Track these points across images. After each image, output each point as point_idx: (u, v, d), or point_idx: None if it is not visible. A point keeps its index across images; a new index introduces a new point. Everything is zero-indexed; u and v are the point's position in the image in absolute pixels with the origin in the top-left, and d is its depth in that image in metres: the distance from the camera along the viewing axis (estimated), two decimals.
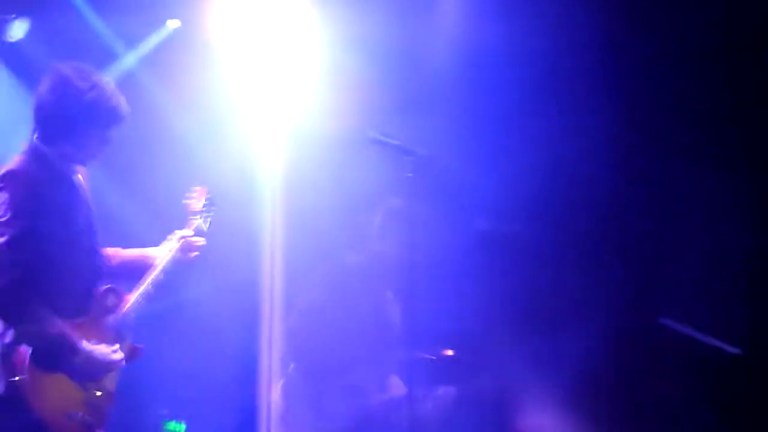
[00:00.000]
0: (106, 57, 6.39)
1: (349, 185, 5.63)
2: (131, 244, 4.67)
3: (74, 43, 6.18)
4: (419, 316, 4.72)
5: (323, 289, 5.35)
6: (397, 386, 5.07)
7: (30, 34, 6.28)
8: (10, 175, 4.06)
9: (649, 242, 6.35)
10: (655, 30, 6.23)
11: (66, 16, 6.26)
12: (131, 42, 6.55)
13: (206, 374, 6.39)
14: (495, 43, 6.17)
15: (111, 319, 4.26)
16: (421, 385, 5.28)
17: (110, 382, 4.23)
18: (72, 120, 4.17)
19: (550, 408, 6.17)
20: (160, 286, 4.44)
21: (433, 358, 5.38)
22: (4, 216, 3.96)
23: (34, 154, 4.15)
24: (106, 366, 4.16)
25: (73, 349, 4.03)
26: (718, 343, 6.01)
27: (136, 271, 4.49)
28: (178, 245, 4.56)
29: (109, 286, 4.29)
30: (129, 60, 6.53)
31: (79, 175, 4.32)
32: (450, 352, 5.44)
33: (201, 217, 4.67)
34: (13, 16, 6.25)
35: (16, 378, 3.96)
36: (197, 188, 4.76)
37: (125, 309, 4.32)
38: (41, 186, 4.06)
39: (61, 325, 4.01)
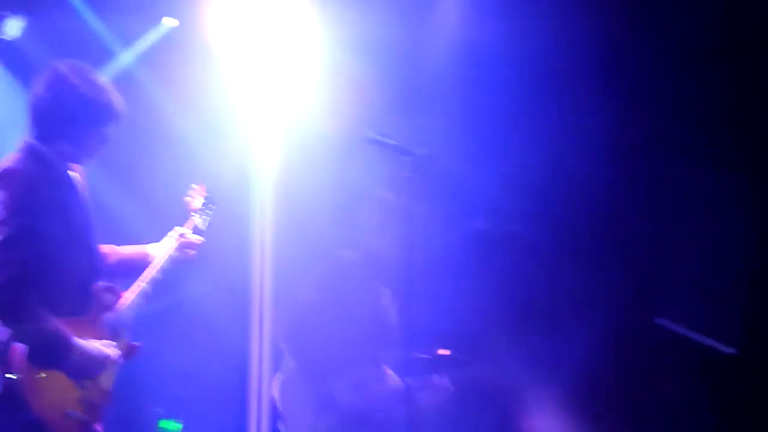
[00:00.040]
0: (103, 55, 6.42)
1: (347, 185, 5.66)
2: (129, 242, 4.70)
3: (71, 42, 6.21)
4: (417, 316, 4.74)
5: (318, 286, 5.38)
6: (393, 380, 5.08)
7: (27, 32, 6.31)
8: (6, 173, 4.08)
9: (649, 242, 6.41)
10: (655, 30, 6.28)
11: (63, 15, 6.30)
12: (128, 41, 6.59)
13: (203, 373, 6.43)
14: (494, 43, 6.23)
15: (108, 317, 4.29)
16: (417, 376, 5.33)
17: (107, 379, 4.26)
18: (68, 117, 4.19)
19: (548, 407, 6.23)
20: (158, 285, 4.47)
21: (429, 357, 5.42)
22: (0, 215, 3.98)
23: (31, 153, 4.18)
24: (102, 363, 4.19)
25: (68, 346, 4.06)
26: (713, 343, 6.07)
27: (134, 268, 4.53)
28: (176, 243, 4.60)
29: (106, 284, 4.32)
30: (126, 59, 6.57)
31: (77, 174, 4.34)
32: (446, 352, 5.48)
33: (199, 215, 4.71)
34: (8, 14, 6.28)
35: (15, 376, 3.98)
36: (196, 186, 4.81)
37: (122, 307, 4.35)
38: (37, 184, 4.08)
39: (55, 323, 4.03)
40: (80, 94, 4.19)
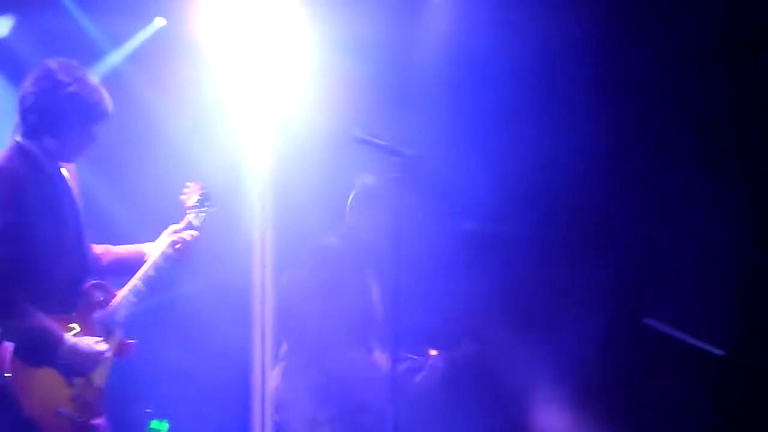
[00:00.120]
0: (92, 55, 6.53)
1: (338, 184, 5.71)
2: (120, 241, 4.81)
3: (61, 41, 6.28)
4: (405, 315, 4.82)
5: (304, 272, 5.43)
6: (386, 364, 5.10)
7: (16, 31, 6.42)
8: None
9: (641, 244, 6.46)
10: (653, 30, 6.36)
11: (52, 14, 6.42)
12: (118, 40, 6.71)
13: (194, 372, 6.51)
14: (485, 43, 6.31)
15: (98, 314, 4.39)
16: (409, 358, 5.45)
17: (99, 377, 4.34)
18: (53, 113, 4.27)
19: (542, 405, 6.31)
20: (151, 282, 4.55)
21: (417, 358, 5.52)
22: None
23: (17, 150, 4.27)
24: (93, 359, 4.27)
25: (57, 343, 4.16)
26: (702, 345, 6.14)
27: (130, 267, 4.61)
28: (169, 240, 4.68)
29: (96, 281, 4.42)
30: (116, 58, 6.69)
31: (68, 173, 4.44)
32: (434, 353, 5.57)
33: (194, 213, 4.79)
34: None
35: (7, 375, 4.09)
36: (191, 184, 4.89)
37: (113, 305, 4.44)
38: (24, 182, 4.18)
39: (44, 320, 4.13)
40: (68, 92, 4.27)
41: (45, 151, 4.30)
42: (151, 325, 4.94)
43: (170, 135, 6.57)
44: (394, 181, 4.83)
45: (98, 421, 4.35)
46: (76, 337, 4.24)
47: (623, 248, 6.49)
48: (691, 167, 6.33)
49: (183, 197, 4.85)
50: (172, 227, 4.73)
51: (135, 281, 4.53)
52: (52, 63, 4.38)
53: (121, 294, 4.49)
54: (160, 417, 6.40)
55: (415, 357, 5.49)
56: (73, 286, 4.34)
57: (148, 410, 6.37)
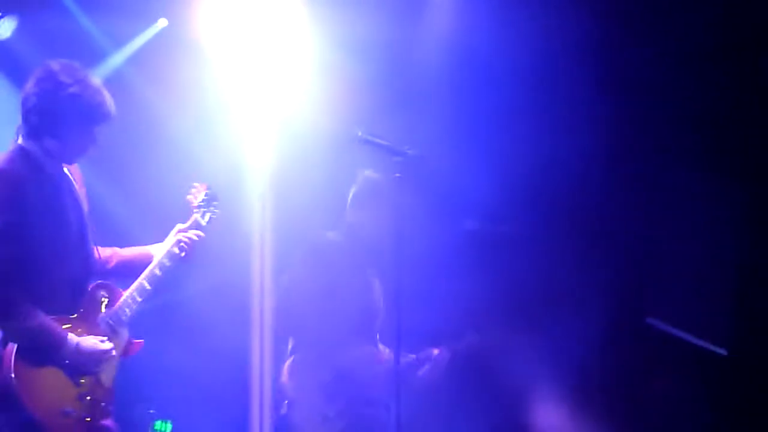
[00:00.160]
0: (94, 55, 6.57)
1: (339, 184, 5.72)
2: (122, 241, 4.83)
3: (63, 42, 6.33)
4: (408, 315, 4.86)
5: (305, 267, 5.45)
6: (390, 357, 5.13)
7: (18, 32, 6.45)
8: None
9: (641, 243, 6.51)
10: (653, 30, 6.41)
11: (55, 15, 6.46)
12: (120, 41, 6.74)
13: (196, 373, 6.55)
14: (487, 44, 6.35)
15: (103, 314, 4.42)
16: (414, 351, 5.50)
17: (106, 377, 4.38)
18: (54, 114, 4.29)
19: (542, 405, 6.36)
20: (156, 281, 4.57)
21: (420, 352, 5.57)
22: None
23: (19, 153, 4.31)
24: (96, 358, 4.30)
25: (60, 342, 4.20)
26: (704, 344, 6.18)
27: (137, 269, 4.62)
28: (174, 240, 4.70)
29: (100, 282, 4.46)
30: (118, 59, 6.73)
31: (73, 174, 4.47)
32: (436, 351, 5.63)
33: (199, 212, 4.80)
34: (0, 14, 6.43)
35: (12, 376, 4.13)
36: (198, 184, 4.91)
37: (118, 304, 4.47)
38: (24, 184, 4.21)
39: (46, 320, 4.18)
40: (70, 93, 4.29)
41: (46, 152, 4.33)
42: (153, 325, 4.96)
43: (172, 135, 6.61)
44: (396, 181, 4.87)
45: (106, 421, 4.40)
46: (79, 336, 4.28)
47: (624, 248, 6.54)
48: (691, 167, 6.39)
49: (189, 197, 4.87)
50: (179, 227, 4.76)
51: (141, 281, 4.56)
52: (54, 64, 4.41)
53: (127, 293, 4.52)
54: (164, 417, 6.43)
55: (419, 352, 5.54)
56: (76, 286, 4.38)
57: (151, 411, 6.40)
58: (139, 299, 4.53)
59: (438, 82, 6.55)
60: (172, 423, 6.39)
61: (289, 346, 5.53)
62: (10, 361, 4.14)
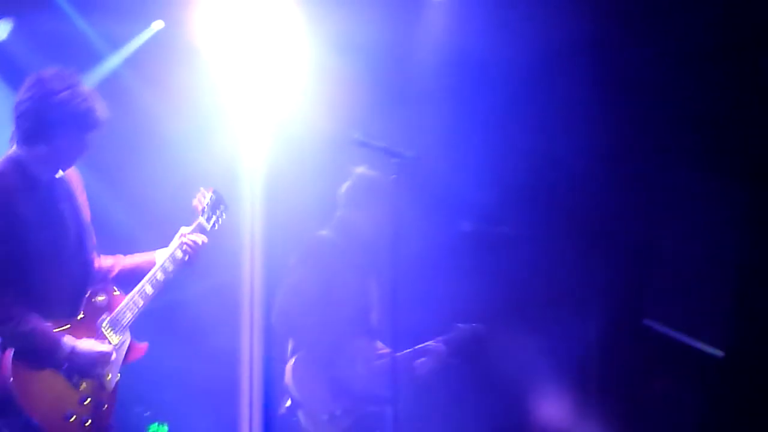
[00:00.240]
0: (91, 58, 6.65)
1: (335, 186, 5.74)
2: (119, 244, 4.87)
3: (59, 44, 6.40)
4: (404, 317, 4.91)
5: (302, 267, 5.51)
6: (389, 352, 5.21)
7: (14, 35, 6.50)
8: None
9: (641, 244, 6.56)
10: (653, 30, 6.46)
11: (51, 17, 6.49)
12: (116, 43, 6.79)
13: (192, 375, 6.60)
14: (483, 45, 6.39)
15: (103, 318, 4.46)
16: (412, 345, 5.55)
17: (107, 380, 4.42)
18: (45, 120, 4.31)
19: (541, 404, 6.40)
20: (158, 285, 4.59)
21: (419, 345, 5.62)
22: None
23: (11, 160, 4.35)
24: (94, 361, 4.34)
25: (54, 345, 4.24)
26: (701, 346, 6.20)
27: (142, 275, 4.64)
28: (177, 243, 4.71)
29: (100, 286, 4.50)
30: (114, 61, 6.78)
31: (69, 180, 4.51)
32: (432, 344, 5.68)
33: (204, 216, 4.81)
34: None
35: (10, 380, 4.17)
36: (204, 189, 4.90)
37: (119, 308, 4.50)
38: (14, 193, 4.26)
39: (41, 324, 4.22)
40: (60, 99, 4.31)
41: (39, 159, 4.37)
42: (150, 327, 4.98)
43: (168, 137, 6.65)
44: (392, 182, 4.91)
45: (108, 424, 4.43)
46: (76, 340, 4.32)
47: (623, 248, 6.58)
48: (691, 167, 6.43)
49: (195, 202, 4.86)
50: (182, 230, 4.77)
51: (142, 285, 4.59)
52: (46, 71, 4.42)
53: (128, 297, 4.56)
54: (160, 420, 6.46)
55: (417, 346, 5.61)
56: (75, 291, 4.42)
57: (147, 413, 6.43)
58: (141, 303, 4.56)
59: (434, 83, 6.61)
60: (168, 425, 6.41)
61: (289, 348, 5.58)
62: (8, 365, 4.19)
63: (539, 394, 6.43)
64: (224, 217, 4.90)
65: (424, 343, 5.66)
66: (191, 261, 4.71)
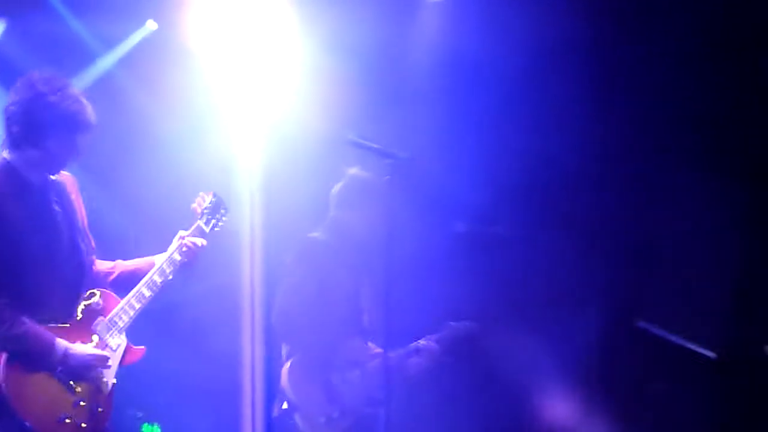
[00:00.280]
0: (84, 58, 6.66)
1: (330, 186, 5.72)
2: (112, 245, 4.89)
3: (52, 45, 6.41)
4: (398, 318, 4.91)
5: (296, 269, 5.51)
6: (382, 353, 5.18)
7: (7, 35, 6.52)
8: None
9: (639, 245, 6.55)
10: (653, 30, 6.46)
11: (44, 18, 6.51)
12: (110, 44, 6.79)
13: (184, 376, 6.60)
14: (478, 45, 6.40)
15: (98, 321, 4.45)
16: (404, 345, 5.56)
17: (103, 383, 4.42)
18: (34, 123, 4.32)
19: (539, 405, 6.40)
20: (155, 287, 4.58)
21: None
22: None
23: (1, 165, 4.36)
24: (87, 364, 4.34)
25: (47, 348, 4.24)
26: (695, 347, 6.19)
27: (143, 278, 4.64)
28: (175, 246, 4.70)
29: (96, 289, 4.50)
30: (107, 62, 6.79)
31: (63, 183, 4.51)
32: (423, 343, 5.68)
33: (203, 219, 4.79)
34: None
35: (3, 384, 4.17)
36: (203, 193, 4.88)
37: (114, 311, 4.49)
38: (3, 196, 4.27)
39: (33, 327, 4.23)
40: (48, 101, 4.32)
41: (30, 163, 4.38)
42: (143, 329, 4.99)
43: (162, 138, 6.65)
44: (386, 183, 4.91)
45: (103, 427, 4.43)
46: (70, 343, 4.32)
47: (621, 249, 6.59)
48: (690, 167, 6.41)
49: (194, 206, 4.85)
50: (181, 233, 4.76)
51: (139, 287, 4.58)
52: (35, 74, 4.44)
53: (124, 300, 4.55)
54: (151, 421, 6.46)
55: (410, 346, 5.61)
56: (69, 294, 4.42)
57: (140, 415, 6.43)
58: (138, 306, 4.56)
59: (429, 84, 6.61)
60: (160, 427, 6.41)
61: (284, 351, 5.58)
62: (1, 368, 4.19)
63: (535, 394, 6.43)
64: (224, 220, 4.89)
65: (415, 342, 5.66)
66: (189, 264, 4.70)
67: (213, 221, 4.83)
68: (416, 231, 5.90)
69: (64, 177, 4.54)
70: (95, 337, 4.43)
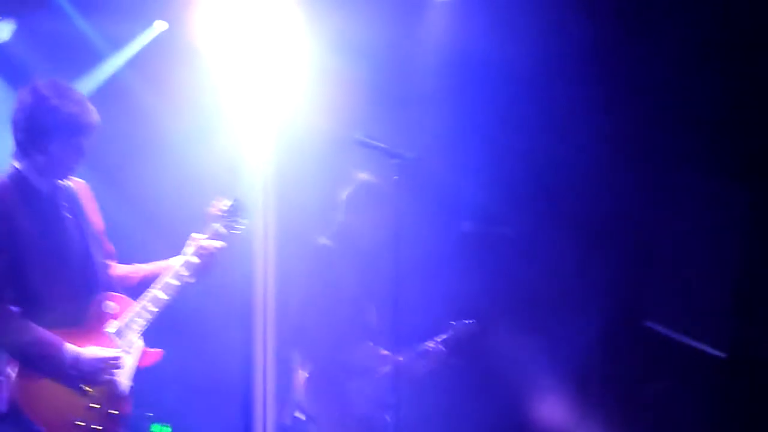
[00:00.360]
0: (92, 59, 6.67)
1: (338, 186, 5.75)
2: (120, 246, 4.82)
3: (61, 45, 6.44)
4: (406, 318, 4.94)
5: (304, 276, 5.54)
6: (392, 357, 5.26)
7: (16, 35, 6.51)
8: None
9: (642, 245, 6.58)
10: (654, 31, 6.47)
11: (53, 18, 6.51)
12: (118, 44, 6.80)
13: (194, 376, 6.60)
14: (484, 45, 6.42)
15: (111, 325, 4.46)
16: (411, 347, 5.59)
17: (118, 386, 4.41)
18: (37, 127, 4.34)
19: (541, 404, 6.42)
20: (171, 291, 4.56)
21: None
22: None
23: (10, 174, 4.39)
24: (99, 367, 4.33)
25: (58, 353, 4.25)
26: (703, 347, 6.21)
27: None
28: (192, 249, 4.69)
29: (109, 293, 4.50)
30: (116, 62, 6.79)
31: (76, 190, 4.52)
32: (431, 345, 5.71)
33: (221, 222, 4.77)
34: None
35: (15, 389, 4.18)
36: (220, 197, 4.86)
37: (129, 315, 4.50)
38: (11, 205, 4.29)
39: (42, 333, 4.24)
40: (50, 105, 4.33)
41: (38, 170, 4.39)
42: (153, 328, 4.99)
43: (170, 138, 6.66)
44: (393, 184, 4.92)
45: (118, 430, 4.43)
46: (82, 347, 4.32)
47: (624, 249, 6.61)
48: (692, 168, 6.45)
49: (210, 209, 4.82)
50: (195, 236, 4.74)
51: (155, 291, 4.58)
52: (39, 81, 4.45)
53: (139, 304, 4.56)
54: (162, 421, 6.47)
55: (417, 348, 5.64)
56: (82, 300, 4.42)
57: (150, 414, 6.43)
58: (154, 309, 4.55)
59: (436, 84, 6.63)
60: (170, 427, 6.41)
61: (297, 360, 5.60)
62: (12, 375, 4.21)
63: (539, 394, 6.45)
64: (244, 224, 4.87)
65: (422, 344, 5.68)
66: (206, 267, 4.69)
67: (231, 224, 4.82)
68: (423, 231, 5.92)
69: (77, 184, 4.56)
70: (109, 341, 4.44)
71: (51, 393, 4.26)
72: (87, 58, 6.61)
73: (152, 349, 4.60)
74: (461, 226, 6.70)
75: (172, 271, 4.61)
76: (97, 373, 4.33)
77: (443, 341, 5.69)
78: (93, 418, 4.32)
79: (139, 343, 4.54)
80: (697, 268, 6.34)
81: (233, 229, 4.82)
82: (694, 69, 6.32)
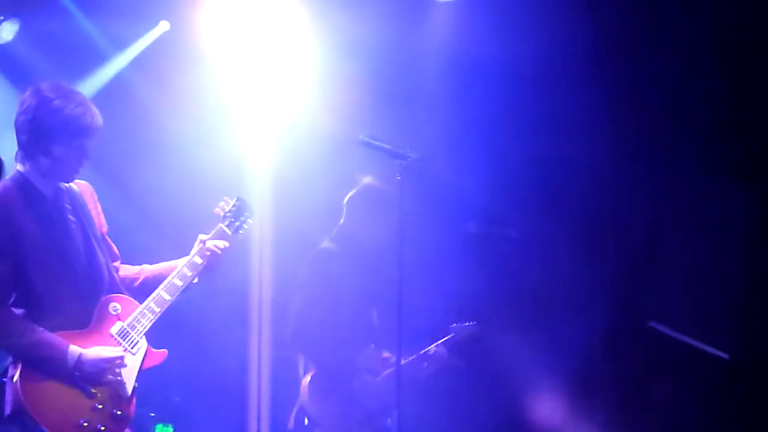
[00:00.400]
0: (96, 59, 6.66)
1: (341, 187, 5.74)
2: (123, 247, 4.82)
3: (65, 46, 6.42)
4: (410, 317, 4.93)
5: (312, 282, 5.53)
6: (393, 360, 5.26)
7: (20, 36, 6.50)
8: None
9: (644, 246, 6.58)
10: (654, 31, 6.49)
11: (57, 18, 6.50)
12: (122, 44, 6.78)
13: (197, 376, 6.58)
14: (488, 46, 6.42)
15: (116, 326, 4.44)
16: (414, 351, 5.59)
17: (123, 386, 4.40)
18: (40, 129, 4.34)
19: (542, 404, 6.42)
20: (176, 291, 4.53)
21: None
22: None
23: (15, 178, 4.38)
24: (103, 367, 4.33)
25: (61, 354, 4.25)
26: (707, 348, 6.22)
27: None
28: (197, 249, 4.66)
29: (113, 294, 4.49)
30: (120, 62, 6.77)
31: (79, 193, 4.51)
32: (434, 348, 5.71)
33: (226, 222, 4.75)
34: (2, 18, 6.48)
35: (20, 394, 4.17)
36: (227, 198, 4.83)
37: (133, 315, 4.48)
38: (15, 208, 4.28)
39: (45, 335, 4.24)
40: (53, 107, 4.32)
41: (42, 173, 4.39)
42: (155, 328, 4.99)
43: (173, 138, 6.65)
44: (396, 186, 4.92)
45: (123, 430, 4.41)
46: (86, 348, 4.32)
47: (626, 250, 6.62)
48: (695, 169, 6.45)
49: (217, 210, 4.80)
50: (201, 236, 4.71)
51: (159, 291, 4.56)
52: (41, 84, 4.44)
53: (143, 305, 4.54)
54: (165, 421, 6.47)
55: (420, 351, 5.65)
56: (87, 301, 4.42)
57: (153, 414, 6.43)
58: (158, 310, 4.53)
59: (439, 85, 6.63)
60: (173, 426, 6.41)
61: (301, 364, 5.61)
62: (17, 377, 4.21)
63: (541, 395, 6.45)
64: (249, 224, 4.84)
65: (424, 347, 5.69)
66: (211, 267, 4.66)
67: (236, 224, 4.79)
68: (426, 231, 5.91)
69: (81, 186, 4.56)
70: (113, 342, 4.43)
71: (55, 394, 4.25)
72: (90, 58, 6.61)
73: (157, 350, 4.58)
74: (464, 227, 6.69)
75: (176, 271, 4.60)
76: (101, 373, 4.33)
77: (445, 343, 5.70)
78: (97, 418, 4.31)
79: (143, 344, 4.52)
80: (699, 268, 6.34)
81: (238, 229, 4.80)
82: (695, 70, 6.33)
